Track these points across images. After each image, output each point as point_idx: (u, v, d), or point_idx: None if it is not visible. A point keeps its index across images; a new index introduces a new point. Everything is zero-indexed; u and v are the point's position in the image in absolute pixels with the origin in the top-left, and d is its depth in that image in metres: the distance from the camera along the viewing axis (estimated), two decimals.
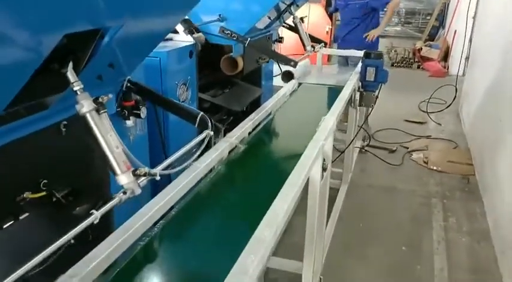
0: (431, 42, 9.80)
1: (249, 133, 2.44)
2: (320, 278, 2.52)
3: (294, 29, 3.25)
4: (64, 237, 0.98)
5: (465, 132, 5.40)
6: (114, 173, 1.07)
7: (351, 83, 3.22)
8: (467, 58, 7.97)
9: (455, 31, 8.46)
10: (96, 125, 1.07)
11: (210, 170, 1.97)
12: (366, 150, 4.76)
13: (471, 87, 5.73)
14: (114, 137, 1.09)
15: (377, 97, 3.65)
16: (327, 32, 8.89)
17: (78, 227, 0.99)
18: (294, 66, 2.78)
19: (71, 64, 1.03)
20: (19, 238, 1.26)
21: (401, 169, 4.50)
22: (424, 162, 4.60)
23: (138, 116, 1.74)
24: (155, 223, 1.50)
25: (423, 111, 6.17)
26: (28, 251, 1.17)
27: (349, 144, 3.60)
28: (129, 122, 1.72)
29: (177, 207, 1.68)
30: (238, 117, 2.97)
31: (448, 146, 5.06)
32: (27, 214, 1.35)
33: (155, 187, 2.02)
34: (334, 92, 3.34)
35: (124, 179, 1.05)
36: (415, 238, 3.31)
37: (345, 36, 4.94)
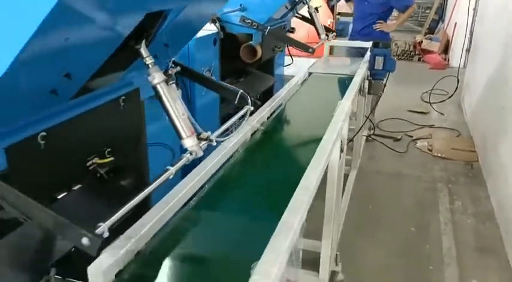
0: (431, 35, 9.94)
1: (267, 118, 2.57)
2: (336, 254, 2.65)
3: (306, 19, 3.37)
4: (135, 199, 1.09)
5: (467, 121, 5.55)
6: (180, 137, 1.20)
7: (361, 71, 3.35)
8: (467, 50, 8.13)
9: (456, 23, 8.59)
10: (165, 94, 1.20)
11: (236, 151, 2.10)
12: (372, 139, 4.90)
13: (472, 78, 5.87)
14: (180, 105, 1.22)
15: (385, 85, 3.78)
16: (329, 25, 9.01)
17: (151, 186, 1.11)
18: (312, 52, 2.92)
19: (144, 41, 1.16)
20: (79, 206, 1.38)
21: (406, 156, 4.64)
22: (429, 149, 4.74)
23: None
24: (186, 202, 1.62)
25: (426, 101, 6.30)
26: (90, 216, 1.31)
27: (358, 131, 3.74)
28: None
29: (206, 186, 1.80)
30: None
31: (451, 134, 5.21)
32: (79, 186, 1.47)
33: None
34: (343, 81, 3.47)
35: (189, 142, 1.18)
36: (423, 220, 3.45)
37: (361, 30, 5.09)
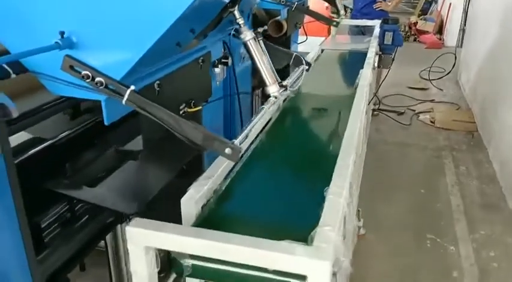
0: (425, 16, 10.18)
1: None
2: (358, 210, 2.92)
3: None
4: None
5: (465, 96, 5.83)
6: (265, 84, 1.43)
7: (373, 45, 3.59)
8: (463, 29, 8.41)
9: (450, 4, 8.85)
10: (254, 49, 1.43)
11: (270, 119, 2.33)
12: (377, 113, 5.17)
13: (469, 56, 6.14)
14: (265, 58, 1.46)
15: (393, 59, 4.03)
16: (326, 7, 9.20)
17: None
18: (336, 25, 3.16)
19: (237, 4, 1.39)
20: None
21: (411, 128, 4.92)
22: (431, 121, 5.02)
23: (225, 64, 2.10)
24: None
25: (425, 78, 6.58)
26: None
27: (369, 103, 3.99)
28: (217, 70, 2.07)
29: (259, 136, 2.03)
30: None
31: (451, 107, 5.49)
32: None
33: None
34: (354, 55, 3.71)
35: (273, 88, 1.42)
36: (432, 183, 3.74)
37: (361, 8, 5.33)
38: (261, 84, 3.25)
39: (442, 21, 9.53)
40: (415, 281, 2.63)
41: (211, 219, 1.47)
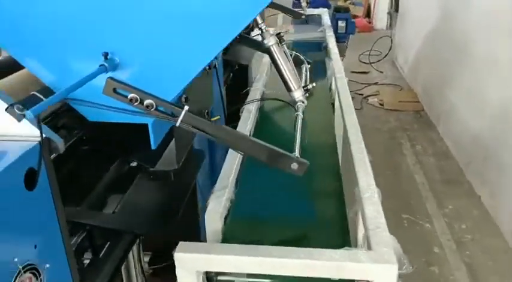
0: (353, 0, 10.50)
1: None
2: None
3: None
4: None
5: (405, 76, 6.11)
6: (289, 90, 1.39)
7: (331, 35, 3.64)
8: (390, 13, 8.78)
9: None
10: (277, 54, 1.37)
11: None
12: None
13: (405, 38, 6.43)
14: (289, 63, 1.40)
15: (347, 47, 4.12)
16: None
17: None
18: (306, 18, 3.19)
19: None
20: None
21: (362, 112, 5.08)
22: (380, 104, 5.22)
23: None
24: None
25: (364, 62, 6.81)
26: None
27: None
28: None
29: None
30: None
31: (395, 89, 5.74)
32: None
33: None
34: (311, 45, 3.74)
35: (298, 93, 1.38)
36: (395, 164, 3.89)
37: None
38: (227, 80, 3.18)
39: (369, 6, 9.88)
40: None
41: (238, 230, 1.43)
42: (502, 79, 3.10)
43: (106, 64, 0.91)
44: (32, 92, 0.93)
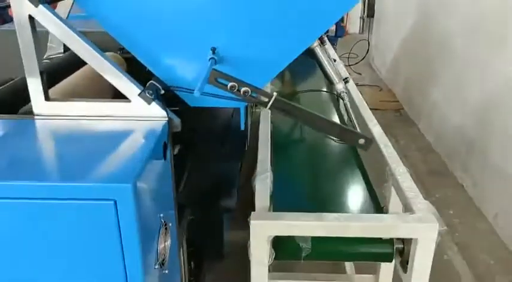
0: None
1: None
2: None
3: None
4: None
5: (382, 78, 6.46)
6: (332, 83, 1.61)
7: (325, 40, 3.88)
8: (362, 18, 9.19)
9: None
10: (320, 54, 1.60)
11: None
12: None
13: (382, 41, 6.79)
14: (330, 61, 1.63)
15: (335, 50, 4.39)
16: None
17: None
18: None
19: None
20: None
21: None
22: None
23: None
24: None
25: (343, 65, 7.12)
26: None
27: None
28: None
29: None
30: None
31: (375, 89, 6.07)
32: None
33: None
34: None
35: (340, 85, 1.60)
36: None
37: None
38: None
39: None
40: None
41: (284, 207, 1.63)
42: (481, 76, 3.43)
43: (215, 57, 1.10)
44: (151, 81, 1.11)
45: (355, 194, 1.74)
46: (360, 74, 6.80)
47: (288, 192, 1.75)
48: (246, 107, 1.25)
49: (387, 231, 1.33)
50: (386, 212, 1.63)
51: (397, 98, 5.60)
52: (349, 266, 2.46)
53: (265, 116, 2.28)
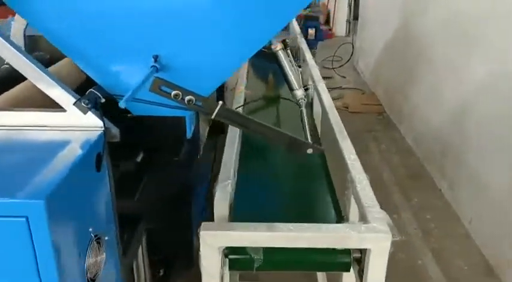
0: (312, 9, 10.87)
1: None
2: None
3: None
4: None
5: (366, 81, 6.46)
6: (292, 89, 1.58)
7: (303, 41, 3.87)
8: (348, 21, 9.22)
9: None
10: (283, 58, 1.57)
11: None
12: None
13: (365, 44, 6.79)
14: (292, 66, 1.60)
15: (315, 53, 4.38)
16: None
17: None
18: None
19: None
20: None
21: None
22: (345, 107, 5.51)
23: None
24: None
25: (327, 68, 7.12)
26: None
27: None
28: None
29: None
30: None
31: (358, 93, 6.07)
32: None
33: None
34: None
35: (300, 92, 1.58)
36: (362, 162, 4.15)
37: None
38: None
39: (328, 13, 10.28)
40: None
41: (243, 216, 1.60)
42: (457, 79, 3.43)
43: (157, 65, 1.07)
44: (90, 90, 1.08)
45: (318, 203, 1.72)
46: (344, 76, 6.80)
47: (251, 201, 1.72)
48: (194, 116, 1.22)
49: (339, 242, 1.31)
50: (347, 221, 1.61)
51: (380, 101, 5.60)
52: (321, 275, 2.45)
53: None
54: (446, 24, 3.70)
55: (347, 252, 1.36)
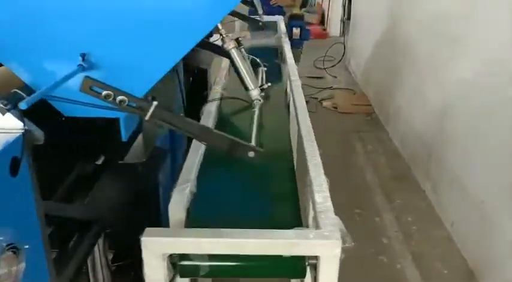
0: (307, 9, 10.82)
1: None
2: None
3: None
4: None
5: (358, 81, 6.40)
6: (248, 89, 1.53)
7: (286, 41, 3.82)
8: (343, 21, 9.15)
9: None
10: (237, 57, 1.52)
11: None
12: None
13: (356, 45, 6.74)
14: (247, 65, 1.55)
15: (301, 52, 4.32)
16: None
17: None
18: (262, 27, 3.37)
19: None
20: None
21: (317, 115, 5.29)
22: (334, 107, 5.46)
23: None
24: None
25: (319, 67, 7.07)
26: None
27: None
28: None
29: None
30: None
31: (348, 93, 6.01)
32: None
33: None
34: (267, 51, 3.90)
35: (255, 92, 1.52)
36: (347, 163, 4.12)
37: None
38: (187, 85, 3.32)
39: (323, 13, 10.23)
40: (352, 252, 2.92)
41: (200, 220, 1.55)
42: (440, 80, 3.37)
43: (84, 64, 1.02)
44: (14, 90, 1.02)
45: (279, 208, 1.65)
46: (335, 76, 6.74)
47: (211, 205, 1.67)
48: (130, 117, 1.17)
49: (287, 249, 1.25)
50: (307, 226, 1.55)
51: (369, 102, 5.54)
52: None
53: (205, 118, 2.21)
54: (428, 25, 3.65)
55: (301, 258, 1.31)
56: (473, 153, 2.84)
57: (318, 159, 1.75)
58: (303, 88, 6.32)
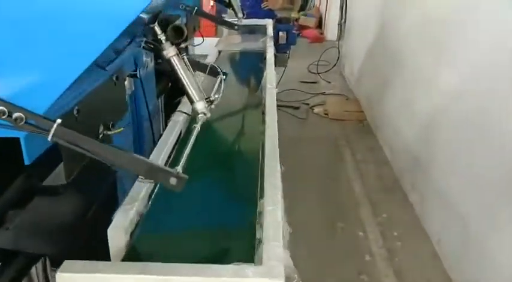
0: (305, 12, 10.69)
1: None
2: None
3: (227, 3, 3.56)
4: None
5: (351, 87, 6.24)
6: (192, 101, 1.37)
7: (271, 45, 3.67)
8: (340, 25, 8.98)
9: (328, 1, 9.40)
10: (177, 65, 1.37)
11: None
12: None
13: (350, 50, 6.58)
14: (190, 74, 1.40)
15: (288, 57, 4.18)
16: (212, 6, 9.23)
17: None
18: (238, 29, 3.20)
19: (157, 20, 1.32)
20: None
21: (308, 122, 5.15)
22: (325, 114, 5.30)
23: (134, 76, 2.01)
24: None
25: (313, 72, 6.92)
26: None
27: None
28: (126, 83, 1.96)
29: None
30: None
31: (341, 99, 5.84)
32: None
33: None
34: (253, 55, 3.76)
35: (200, 104, 1.37)
36: (335, 172, 3.96)
37: (250, 9, 5.45)
38: (164, 90, 3.17)
39: (320, 17, 10.08)
40: (333, 270, 2.76)
41: (143, 247, 1.40)
42: (426, 89, 3.22)
43: None
44: None
45: (234, 233, 1.50)
46: (329, 82, 6.58)
47: (159, 228, 1.53)
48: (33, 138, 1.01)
49: None
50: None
51: (361, 108, 5.38)
52: None
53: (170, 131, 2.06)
54: (416, 35, 3.51)
55: None
56: (460, 166, 2.68)
57: (277, 178, 1.59)
58: (295, 93, 6.21)
